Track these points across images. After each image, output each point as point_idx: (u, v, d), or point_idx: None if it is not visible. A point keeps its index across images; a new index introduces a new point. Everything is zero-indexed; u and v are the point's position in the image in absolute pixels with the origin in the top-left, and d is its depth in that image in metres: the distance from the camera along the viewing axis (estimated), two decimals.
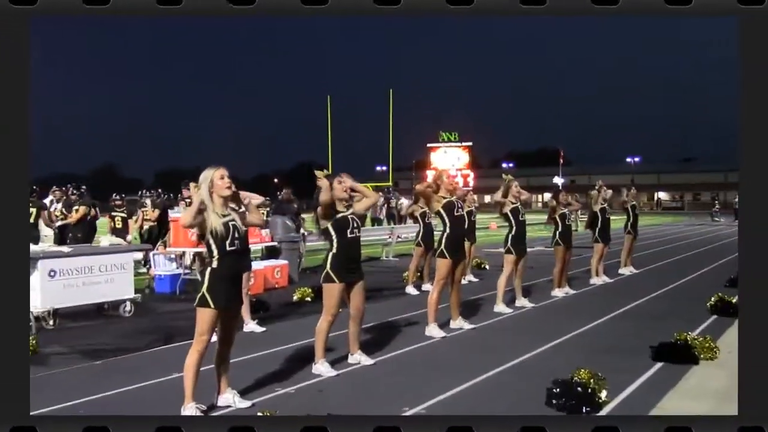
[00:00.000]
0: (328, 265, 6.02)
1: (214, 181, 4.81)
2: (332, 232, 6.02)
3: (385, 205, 26.77)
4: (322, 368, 5.92)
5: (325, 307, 6.04)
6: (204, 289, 4.76)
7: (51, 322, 8.11)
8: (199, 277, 10.34)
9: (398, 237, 18.09)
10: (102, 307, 9.00)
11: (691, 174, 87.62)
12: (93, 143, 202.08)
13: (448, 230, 7.62)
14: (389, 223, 25.79)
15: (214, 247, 4.78)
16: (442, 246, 7.60)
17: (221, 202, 4.85)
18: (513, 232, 9.17)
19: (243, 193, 5.65)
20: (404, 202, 29.25)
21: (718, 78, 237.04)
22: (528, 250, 9.61)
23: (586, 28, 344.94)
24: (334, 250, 6.03)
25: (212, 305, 4.72)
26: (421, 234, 11.19)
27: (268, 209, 12.84)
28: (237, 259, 4.91)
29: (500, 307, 9.07)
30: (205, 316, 4.75)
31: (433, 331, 7.51)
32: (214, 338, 4.97)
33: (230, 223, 4.80)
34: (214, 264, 4.80)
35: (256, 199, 6.17)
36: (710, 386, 5.57)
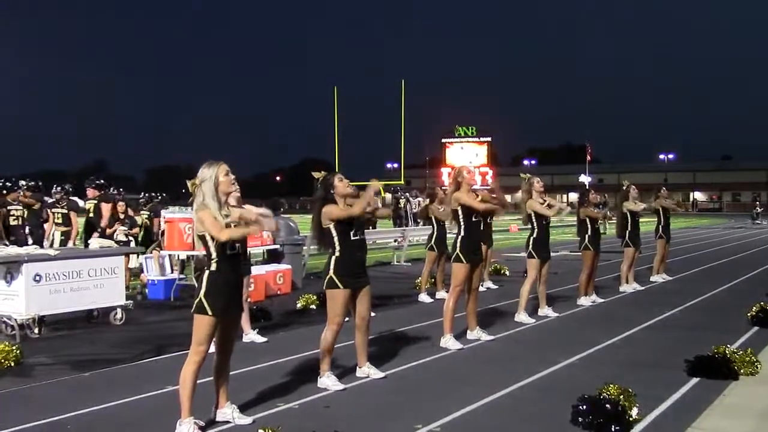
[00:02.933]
0: (332, 270, 6.01)
1: (218, 177, 4.82)
2: (334, 234, 6.02)
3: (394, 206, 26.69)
4: (328, 381, 5.93)
5: (330, 315, 6.04)
6: (201, 294, 4.76)
7: (36, 331, 8.15)
8: (195, 282, 10.41)
9: (409, 240, 18.08)
10: (91, 314, 9.05)
11: (730, 172, 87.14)
12: (84, 139, 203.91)
13: (463, 233, 7.61)
14: (398, 225, 25.72)
15: (213, 249, 4.80)
16: (458, 249, 7.59)
17: (224, 200, 4.86)
18: (535, 236, 9.15)
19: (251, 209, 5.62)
20: (413, 201, 29.15)
21: (761, 69, 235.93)
22: (551, 254, 9.59)
23: (618, 13, 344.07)
24: (338, 254, 6.02)
25: (210, 312, 4.73)
26: (434, 237, 11.19)
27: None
28: (237, 262, 4.93)
29: (522, 317, 9.06)
30: (203, 324, 4.76)
31: (449, 342, 7.51)
32: (212, 348, 4.99)
33: (231, 224, 4.83)
34: (213, 267, 4.81)
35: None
36: (751, 404, 5.53)
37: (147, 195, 15.65)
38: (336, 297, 6.00)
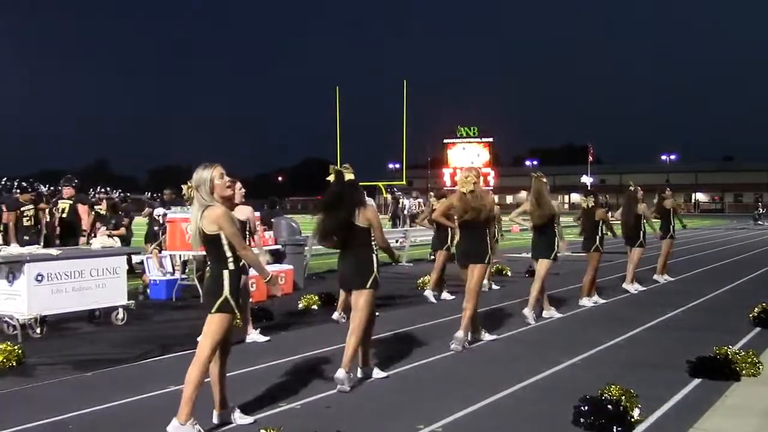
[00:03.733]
0: (376, 269, 6.00)
1: (214, 180, 4.82)
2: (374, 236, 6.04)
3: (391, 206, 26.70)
4: (344, 378, 5.81)
5: (370, 314, 6.06)
6: (227, 293, 4.75)
7: (38, 330, 8.16)
8: (197, 282, 10.44)
9: (411, 240, 18.09)
10: (93, 314, 9.05)
11: (732, 173, 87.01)
12: (86, 139, 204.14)
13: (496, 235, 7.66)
14: (394, 226, 25.68)
15: (228, 249, 4.80)
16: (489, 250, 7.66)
17: (222, 202, 4.86)
18: (557, 234, 9.21)
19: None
20: (407, 203, 29.09)
21: (762, 69, 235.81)
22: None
23: (618, 13, 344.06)
24: (376, 252, 6.04)
25: (236, 310, 4.80)
26: (449, 237, 11.22)
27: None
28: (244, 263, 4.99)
29: (528, 313, 9.03)
30: (226, 322, 4.78)
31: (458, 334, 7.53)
32: None
33: (237, 222, 4.87)
34: (231, 266, 4.81)
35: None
36: (753, 405, 5.53)
37: (120, 196, 15.29)
38: (375, 295, 6.07)
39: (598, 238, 10.49)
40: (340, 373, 5.81)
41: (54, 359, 7.10)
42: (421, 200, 28.67)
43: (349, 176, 6.00)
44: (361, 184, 6.35)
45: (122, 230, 13.04)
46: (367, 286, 5.99)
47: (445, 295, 11.13)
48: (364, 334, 6.03)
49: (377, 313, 6.50)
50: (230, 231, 4.75)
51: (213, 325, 4.78)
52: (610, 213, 10.94)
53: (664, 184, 18.00)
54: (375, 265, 5.99)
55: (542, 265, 9.24)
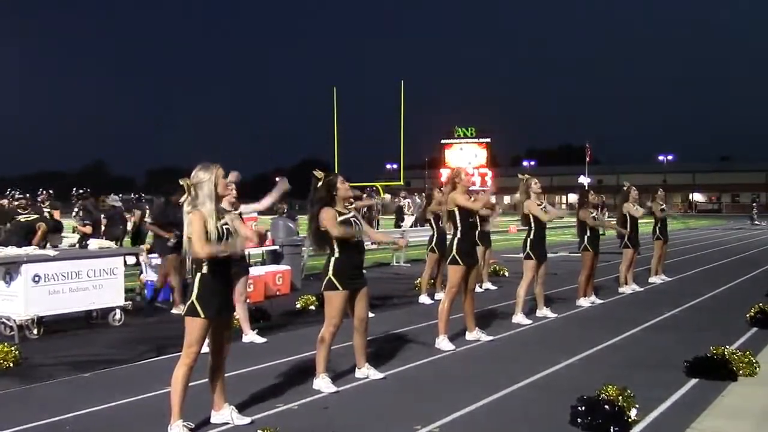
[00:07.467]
0: (331, 272, 6.01)
1: (219, 178, 4.80)
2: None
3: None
4: (322, 383, 5.90)
5: (327, 317, 6.03)
6: (193, 297, 4.76)
7: (35, 331, 8.15)
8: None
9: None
10: (90, 315, 9.04)
11: (729, 174, 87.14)
12: (84, 139, 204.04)
13: (459, 235, 7.61)
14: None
15: None
16: (454, 251, 7.59)
17: (220, 203, 4.85)
18: (532, 236, 9.16)
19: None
20: (387, 198, 28.88)
21: (761, 69, 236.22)
22: (551, 255, 9.60)
23: (618, 13, 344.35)
24: (337, 255, 6.03)
25: (202, 315, 4.73)
26: (435, 239, 11.18)
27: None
28: (228, 265, 4.91)
29: (519, 318, 9.06)
30: (195, 327, 4.75)
31: (443, 343, 7.50)
32: (207, 349, 4.99)
33: (224, 227, 4.80)
34: (205, 270, 4.79)
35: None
36: (750, 405, 5.54)
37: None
38: (334, 299, 6.00)
39: (586, 237, 10.49)
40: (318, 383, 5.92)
41: (51, 360, 7.09)
42: (409, 201, 28.45)
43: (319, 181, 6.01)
44: (358, 184, 6.36)
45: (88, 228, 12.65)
46: (322, 288, 6.11)
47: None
48: (327, 336, 5.99)
49: (371, 315, 6.48)
50: (195, 233, 4.67)
51: (186, 327, 4.79)
52: (597, 212, 10.84)
53: (660, 185, 17.99)
54: (330, 268, 6.00)
55: (524, 266, 9.26)
